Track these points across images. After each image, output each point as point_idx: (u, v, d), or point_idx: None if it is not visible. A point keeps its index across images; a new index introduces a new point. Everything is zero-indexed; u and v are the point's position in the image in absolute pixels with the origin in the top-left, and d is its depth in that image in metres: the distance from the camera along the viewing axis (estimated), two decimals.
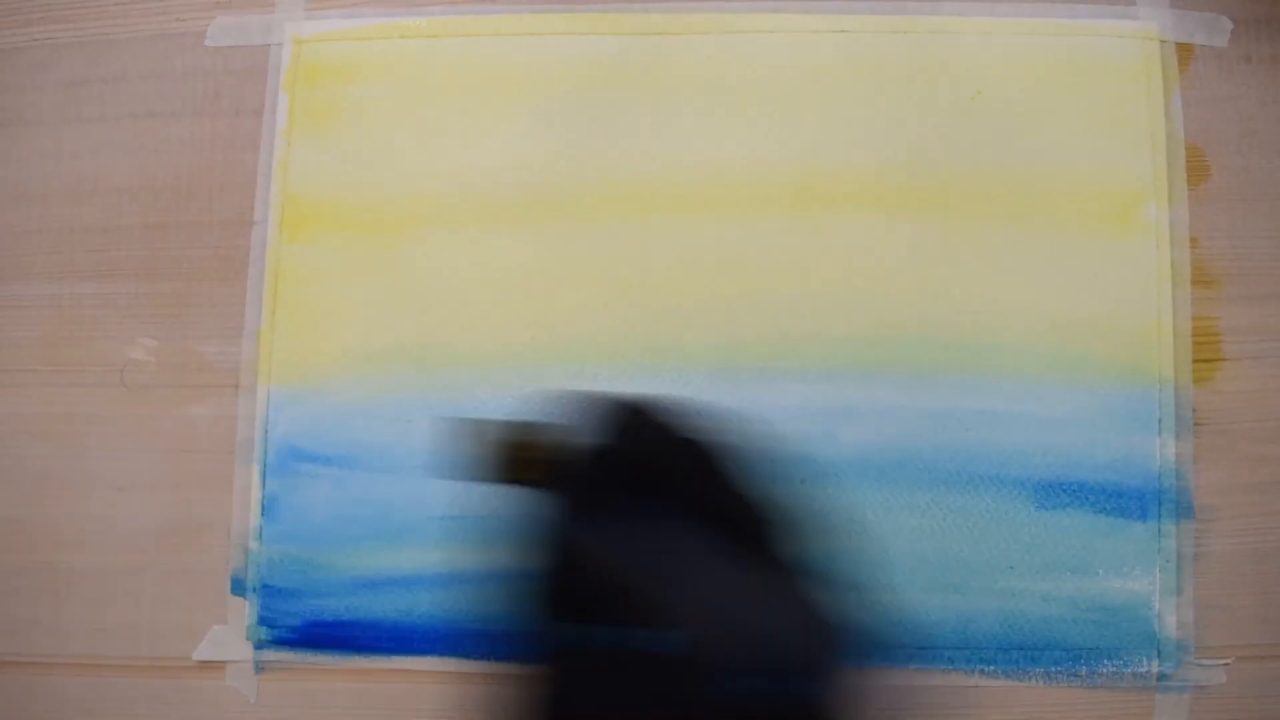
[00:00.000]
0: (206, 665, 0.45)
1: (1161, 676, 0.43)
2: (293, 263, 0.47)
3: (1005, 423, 0.44)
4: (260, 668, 0.45)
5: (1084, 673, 0.43)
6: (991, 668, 0.44)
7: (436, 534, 0.45)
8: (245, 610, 0.45)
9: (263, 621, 0.45)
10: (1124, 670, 0.43)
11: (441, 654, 0.44)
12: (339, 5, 0.49)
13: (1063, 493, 0.44)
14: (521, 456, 0.33)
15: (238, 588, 0.45)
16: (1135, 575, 0.44)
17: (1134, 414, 0.44)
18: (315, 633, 0.45)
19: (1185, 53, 0.47)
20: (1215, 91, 0.47)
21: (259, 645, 0.45)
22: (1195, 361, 0.45)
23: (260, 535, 0.45)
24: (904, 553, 0.44)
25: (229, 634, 0.45)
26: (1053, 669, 0.43)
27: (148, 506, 0.46)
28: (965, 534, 0.44)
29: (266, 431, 0.46)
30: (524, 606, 0.26)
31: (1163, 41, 0.47)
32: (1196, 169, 0.46)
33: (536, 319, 0.46)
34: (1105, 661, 0.43)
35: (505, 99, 0.48)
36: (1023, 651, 0.43)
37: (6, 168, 0.49)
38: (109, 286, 0.48)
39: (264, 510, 0.46)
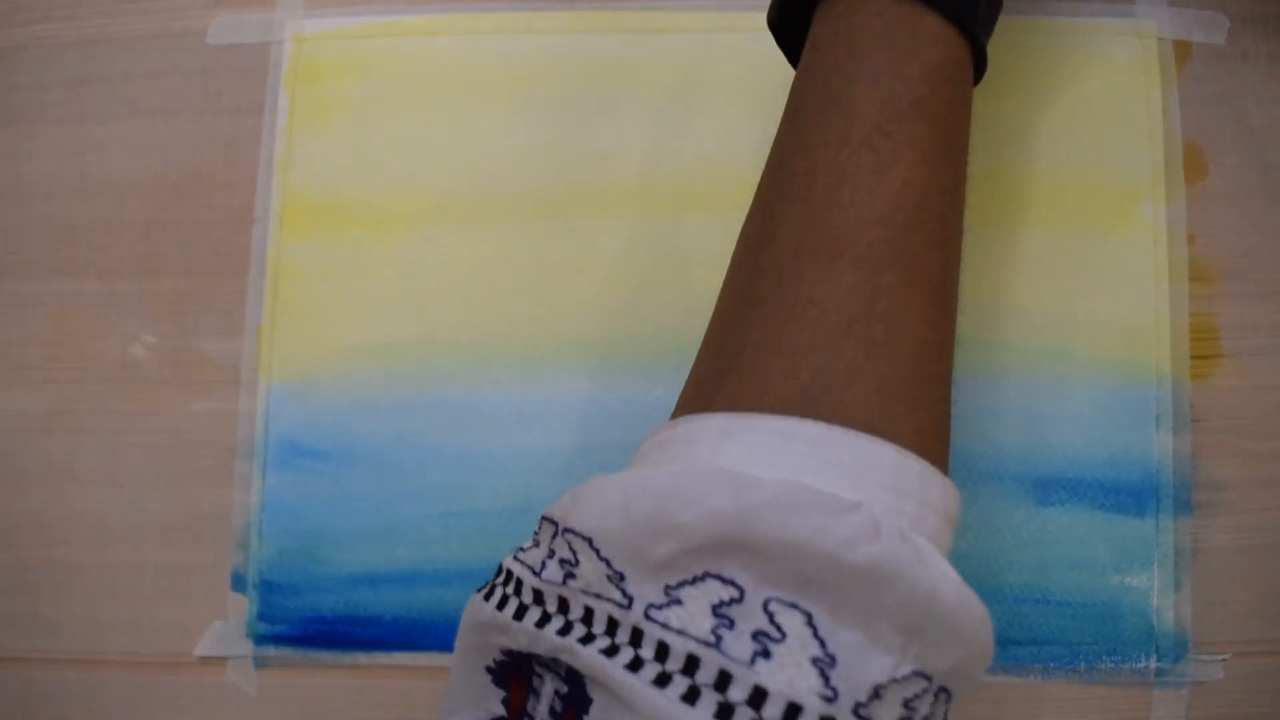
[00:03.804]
0: (207, 661, 0.45)
1: (1159, 672, 0.43)
2: (293, 260, 0.47)
3: (1003, 419, 0.45)
4: (260, 663, 0.45)
5: (1082, 668, 0.43)
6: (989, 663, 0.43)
7: (436, 530, 0.45)
8: (245, 606, 0.45)
9: (263, 617, 0.45)
10: (1122, 666, 0.43)
11: (442, 650, 0.45)
12: (339, 4, 0.49)
13: (1061, 489, 0.44)
14: None
15: (238, 584, 0.46)
16: (1134, 571, 0.44)
17: (1132, 410, 0.45)
18: (315, 629, 0.45)
19: (1183, 50, 0.47)
20: (1213, 89, 0.47)
21: (259, 641, 0.45)
22: (1193, 358, 0.45)
23: (260, 531, 0.45)
24: None
25: (229, 630, 0.45)
26: (1051, 665, 0.43)
27: (148, 503, 0.46)
28: (963, 530, 0.44)
29: (267, 428, 0.46)
30: None
31: (1160, 39, 0.47)
32: (1194, 166, 0.47)
33: (536, 316, 0.46)
34: (1104, 657, 0.43)
35: (506, 96, 0.48)
36: (1020, 647, 0.43)
37: (8, 166, 0.49)
38: (110, 284, 0.48)
39: (264, 506, 0.46)
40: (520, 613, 0.29)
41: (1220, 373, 0.45)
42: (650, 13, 0.48)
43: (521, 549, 0.31)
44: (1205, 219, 0.46)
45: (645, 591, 0.27)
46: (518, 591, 0.30)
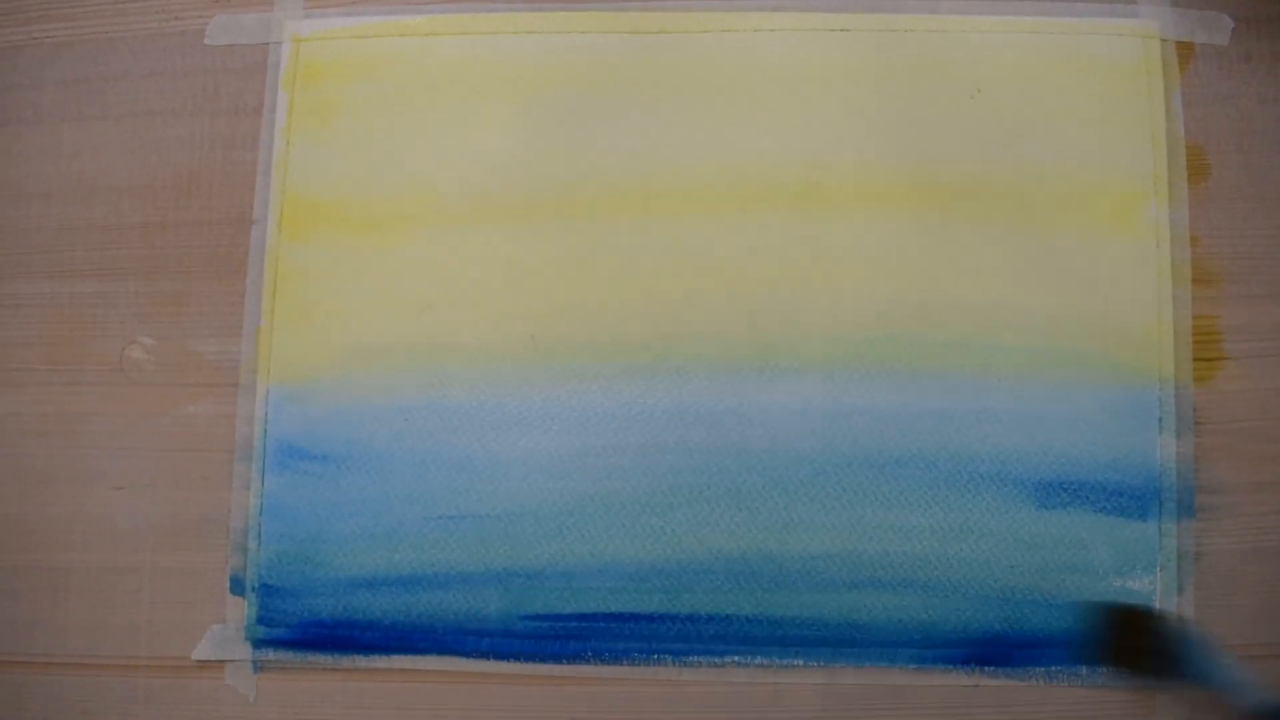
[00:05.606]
0: (205, 665, 0.45)
1: None
2: (292, 261, 0.47)
3: (1005, 422, 0.44)
4: (259, 667, 0.45)
5: (1085, 672, 0.43)
6: (992, 667, 0.43)
7: (436, 534, 0.45)
8: (244, 609, 0.45)
9: (261, 621, 0.45)
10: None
11: (440, 653, 0.44)
12: (338, 4, 0.49)
13: (1063, 492, 0.44)
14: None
15: (236, 587, 0.45)
16: (1136, 574, 0.44)
17: (1134, 413, 0.44)
18: (314, 632, 0.45)
19: (1185, 51, 0.47)
20: (1216, 90, 0.47)
21: (257, 645, 0.45)
22: (1196, 360, 0.45)
23: (259, 534, 0.45)
24: (904, 553, 0.44)
25: (227, 633, 0.45)
26: (1054, 668, 0.43)
27: (146, 505, 0.46)
28: (965, 534, 0.44)
29: (265, 430, 0.46)
30: None
31: (1163, 40, 0.47)
32: (1197, 168, 0.46)
33: (535, 317, 0.46)
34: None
35: (504, 97, 0.48)
36: (1023, 650, 0.43)
37: (6, 166, 0.49)
38: (108, 285, 0.48)
39: (263, 509, 0.45)
40: None
41: (1223, 375, 0.45)
42: (650, 13, 0.48)
43: None
44: (1208, 220, 0.46)
45: None
46: None
